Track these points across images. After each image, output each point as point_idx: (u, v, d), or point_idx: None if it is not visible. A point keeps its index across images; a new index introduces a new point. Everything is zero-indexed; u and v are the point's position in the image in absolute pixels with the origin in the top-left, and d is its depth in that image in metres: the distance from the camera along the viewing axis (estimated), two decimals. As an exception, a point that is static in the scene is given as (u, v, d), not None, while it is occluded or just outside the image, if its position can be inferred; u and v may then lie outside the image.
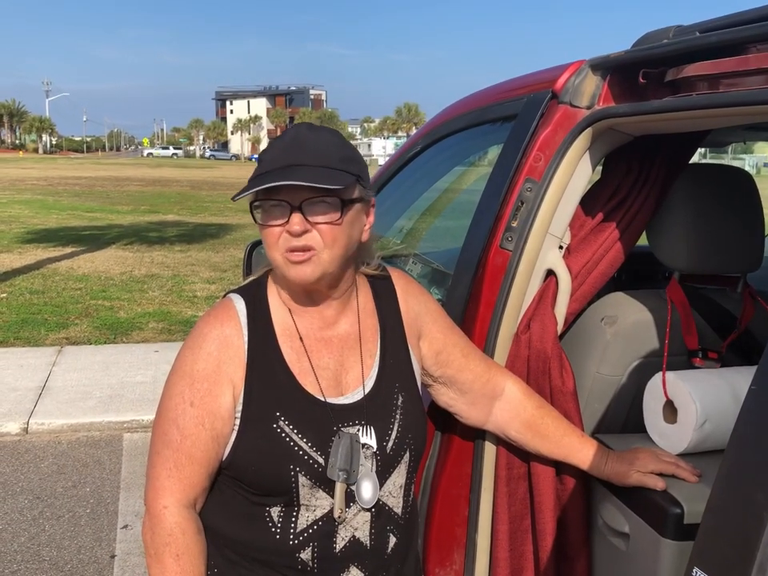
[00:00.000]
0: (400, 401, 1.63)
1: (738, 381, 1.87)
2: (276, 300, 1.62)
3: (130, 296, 10.67)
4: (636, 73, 1.78)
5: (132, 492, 4.95)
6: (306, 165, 1.46)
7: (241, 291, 1.65)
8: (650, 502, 1.74)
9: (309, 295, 1.59)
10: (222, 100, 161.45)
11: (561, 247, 2.04)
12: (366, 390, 1.61)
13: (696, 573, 1.07)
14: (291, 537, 1.54)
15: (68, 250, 14.77)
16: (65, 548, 4.29)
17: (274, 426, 1.52)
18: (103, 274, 12.38)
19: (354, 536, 1.57)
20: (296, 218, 1.46)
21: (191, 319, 9.40)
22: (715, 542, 1.08)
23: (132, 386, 6.82)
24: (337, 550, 1.56)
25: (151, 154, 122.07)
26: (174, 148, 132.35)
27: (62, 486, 5.07)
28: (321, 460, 1.52)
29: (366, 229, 1.59)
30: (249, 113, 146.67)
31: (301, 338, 1.59)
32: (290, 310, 1.61)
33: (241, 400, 1.54)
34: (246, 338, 1.57)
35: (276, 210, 1.48)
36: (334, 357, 1.61)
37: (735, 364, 2.05)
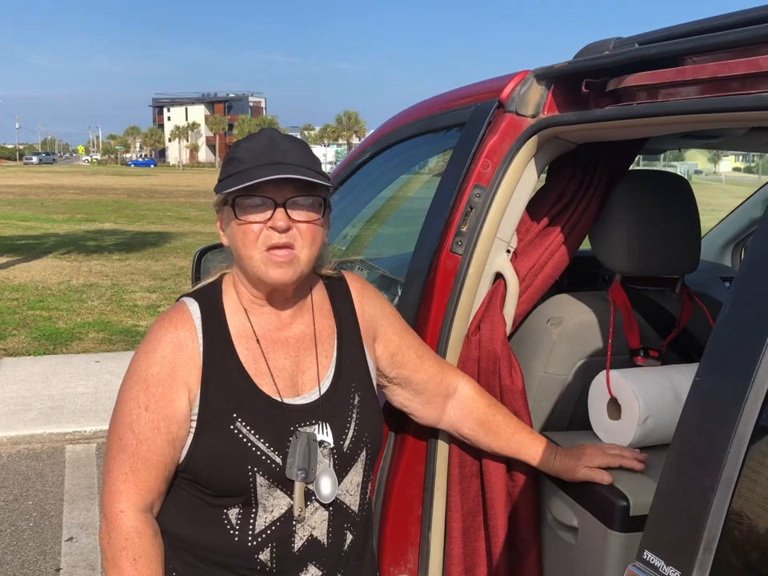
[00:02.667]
0: (356, 400, 1.66)
1: (678, 378, 1.94)
2: (231, 302, 1.64)
3: (69, 306, 10.48)
4: (579, 83, 1.85)
5: (76, 504, 4.88)
6: (291, 164, 1.49)
7: (194, 294, 1.66)
8: (598, 496, 1.79)
9: (270, 296, 1.61)
10: (159, 107, 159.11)
11: (508, 251, 2.09)
12: (323, 390, 1.63)
13: (647, 555, 1.13)
14: (250, 538, 1.56)
15: (2, 260, 14.42)
16: (7, 563, 4.20)
17: (231, 427, 1.53)
18: (40, 283, 12.13)
19: (311, 535, 1.59)
20: (280, 213, 1.49)
21: (132, 329, 9.28)
22: (664, 525, 1.14)
23: (73, 397, 6.71)
24: (295, 550, 1.58)
25: (31, 160, 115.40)
26: (46, 155, 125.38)
27: (2, 499, 4.96)
28: (278, 460, 1.54)
29: (327, 232, 1.64)
30: (187, 120, 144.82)
31: (257, 340, 1.61)
32: (245, 311, 1.63)
33: (197, 403, 1.55)
34: (200, 341, 1.58)
35: (256, 207, 1.50)
36: (290, 357, 1.63)
37: (675, 362, 2.14)
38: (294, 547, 1.58)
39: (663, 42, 1.63)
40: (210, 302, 1.63)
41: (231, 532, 1.56)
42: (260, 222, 1.50)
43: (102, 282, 12.55)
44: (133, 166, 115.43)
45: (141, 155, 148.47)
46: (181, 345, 1.57)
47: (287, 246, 1.51)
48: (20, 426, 6.06)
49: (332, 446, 1.60)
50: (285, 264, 1.51)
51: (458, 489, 2.04)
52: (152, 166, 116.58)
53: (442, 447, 2.06)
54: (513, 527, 2.00)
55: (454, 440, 2.01)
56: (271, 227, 1.50)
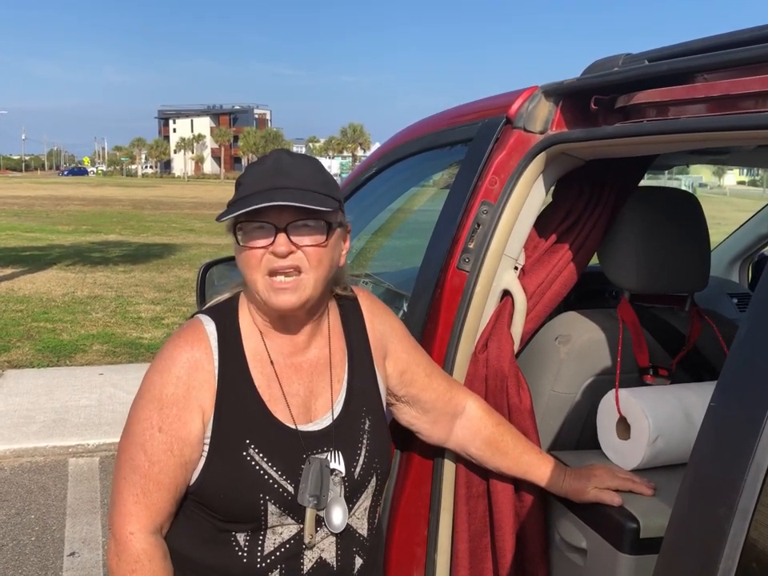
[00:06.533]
0: (367, 425, 1.64)
1: (688, 397, 1.92)
2: (247, 322, 1.61)
3: (73, 318, 10.47)
4: (588, 99, 1.83)
5: (78, 518, 4.85)
6: (291, 188, 1.46)
7: (210, 312, 1.62)
8: (607, 518, 1.77)
9: (283, 320, 1.58)
10: (164, 119, 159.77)
11: (516, 268, 2.07)
12: (335, 416, 1.61)
13: (661, 585, 1.11)
14: (258, 560, 1.53)
15: (7, 271, 14.44)
16: (9, 578, 4.18)
17: (244, 453, 1.51)
18: (45, 295, 12.13)
19: (321, 557, 1.57)
20: (281, 238, 1.46)
21: (136, 341, 9.26)
22: (679, 555, 1.11)
23: (76, 409, 6.69)
24: (304, 572, 1.56)
25: None
26: None
27: (4, 513, 4.93)
28: (290, 488, 1.52)
29: (343, 254, 1.61)
30: (192, 132, 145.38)
31: (272, 363, 1.58)
32: (261, 333, 1.60)
33: (210, 426, 1.52)
34: (216, 362, 1.54)
35: (259, 232, 1.48)
36: (303, 383, 1.61)
37: (684, 381, 2.11)
38: (303, 569, 1.55)
39: (673, 58, 1.62)
40: (226, 322, 1.60)
41: (240, 554, 1.54)
42: (262, 248, 1.48)
43: (106, 293, 12.55)
44: (68, 174, 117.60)
45: (146, 166, 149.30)
46: (197, 365, 1.53)
47: (292, 268, 1.48)
48: (23, 438, 6.04)
49: (343, 474, 1.58)
50: (288, 290, 1.49)
51: (465, 509, 2.01)
52: (87, 174, 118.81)
53: (449, 467, 2.03)
54: (520, 548, 1.97)
55: (461, 460, 1.99)
56: (272, 252, 1.48)
